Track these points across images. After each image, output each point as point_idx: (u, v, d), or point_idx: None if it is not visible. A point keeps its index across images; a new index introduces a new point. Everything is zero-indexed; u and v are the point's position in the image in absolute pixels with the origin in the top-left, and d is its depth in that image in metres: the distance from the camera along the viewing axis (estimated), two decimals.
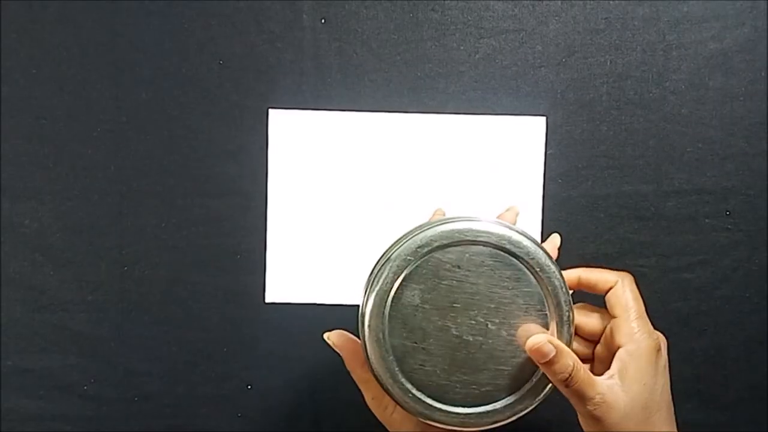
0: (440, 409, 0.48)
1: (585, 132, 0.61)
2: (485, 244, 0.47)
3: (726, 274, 0.61)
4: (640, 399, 0.45)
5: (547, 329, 0.47)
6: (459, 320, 0.48)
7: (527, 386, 0.47)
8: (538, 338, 0.44)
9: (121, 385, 0.63)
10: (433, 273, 0.48)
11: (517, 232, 0.46)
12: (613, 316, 0.48)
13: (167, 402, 0.63)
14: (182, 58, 0.61)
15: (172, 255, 0.62)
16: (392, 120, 0.61)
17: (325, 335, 0.50)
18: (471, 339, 0.47)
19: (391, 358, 0.47)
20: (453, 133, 0.61)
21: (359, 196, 0.62)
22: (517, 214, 0.57)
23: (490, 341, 0.47)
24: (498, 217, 0.52)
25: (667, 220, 0.61)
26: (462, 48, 0.61)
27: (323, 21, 0.61)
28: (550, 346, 0.44)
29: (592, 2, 0.60)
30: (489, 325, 0.47)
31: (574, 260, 0.61)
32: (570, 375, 0.44)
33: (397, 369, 0.48)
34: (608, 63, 0.61)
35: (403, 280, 0.47)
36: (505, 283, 0.47)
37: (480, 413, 0.47)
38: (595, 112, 0.61)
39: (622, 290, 0.48)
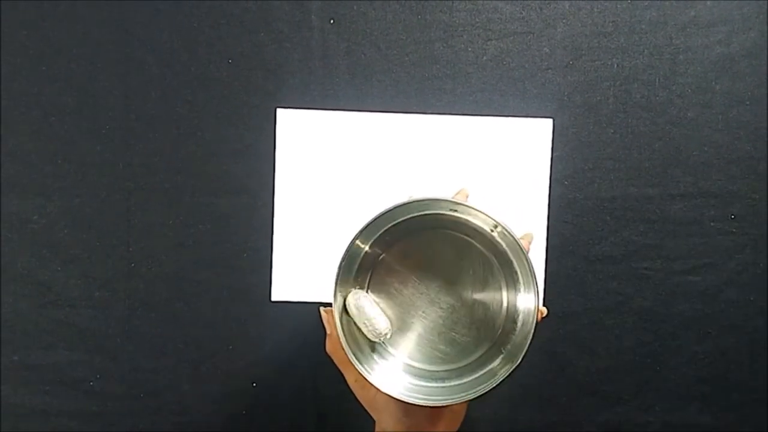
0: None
1: (591, 134, 0.61)
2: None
3: (730, 277, 0.61)
4: None
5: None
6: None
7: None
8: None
9: (127, 381, 0.63)
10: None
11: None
12: None
13: (172, 399, 0.63)
14: (191, 57, 0.61)
15: (178, 252, 0.62)
16: (399, 120, 0.61)
17: (321, 309, 0.51)
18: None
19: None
20: (460, 135, 0.61)
21: (365, 196, 0.62)
22: (467, 197, 0.58)
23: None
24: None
25: (673, 223, 0.61)
26: (470, 50, 0.61)
27: (332, 21, 0.61)
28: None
29: (599, 5, 0.61)
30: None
31: (580, 262, 0.61)
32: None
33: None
34: (615, 66, 0.61)
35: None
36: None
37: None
38: (602, 115, 0.61)
39: None
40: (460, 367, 0.50)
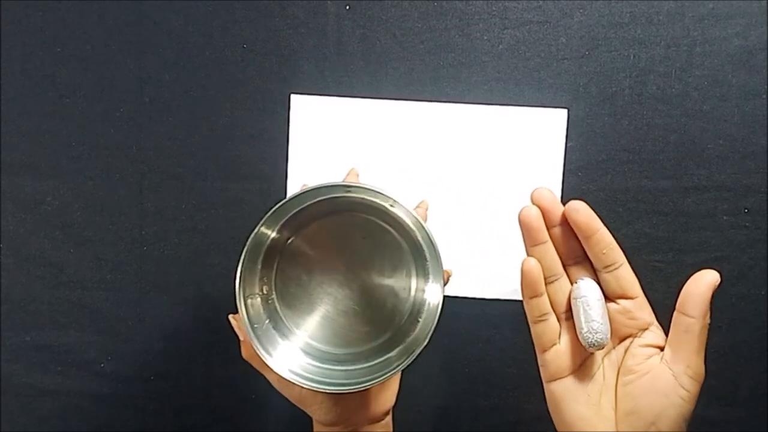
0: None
1: (606, 125, 0.61)
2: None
3: (743, 271, 0.61)
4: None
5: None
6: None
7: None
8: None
9: (138, 363, 0.64)
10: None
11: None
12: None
13: (182, 382, 0.64)
14: (206, 41, 0.61)
15: (191, 236, 0.63)
16: (413, 108, 0.61)
17: (230, 316, 0.51)
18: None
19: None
20: (474, 123, 0.61)
21: (378, 183, 0.62)
22: (426, 209, 0.59)
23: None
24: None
25: (686, 216, 0.61)
26: (485, 38, 0.61)
27: (347, 8, 0.61)
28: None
29: None
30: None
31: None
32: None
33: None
34: (631, 57, 0.60)
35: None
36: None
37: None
38: (617, 106, 0.61)
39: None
40: (361, 351, 0.51)
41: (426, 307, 0.50)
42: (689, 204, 0.61)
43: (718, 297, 0.61)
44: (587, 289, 0.43)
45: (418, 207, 0.59)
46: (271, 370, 0.46)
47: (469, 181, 0.61)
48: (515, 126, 0.61)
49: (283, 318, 0.51)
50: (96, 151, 0.62)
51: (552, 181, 0.61)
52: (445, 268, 0.47)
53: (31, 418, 0.64)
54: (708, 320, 0.42)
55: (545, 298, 0.43)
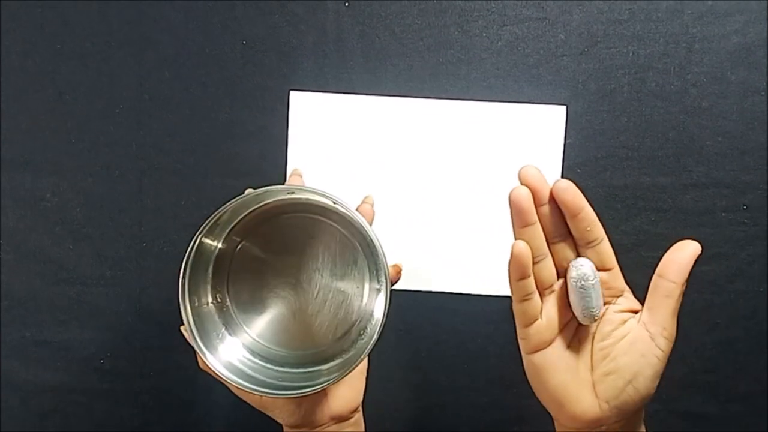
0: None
1: (605, 122, 0.61)
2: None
3: (741, 268, 0.61)
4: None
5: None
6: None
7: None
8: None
9: (137, 360, 0.64)
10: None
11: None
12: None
13: (182, 378, 0.64)
14: (206, 38, 0.61)
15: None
16: (413, 105, 0.61)
17: (182, 328, 0.49)
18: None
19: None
20: (473, 120, 0.61)
21: (377, 180, 0.62)
22: (372, 205, 0.58)
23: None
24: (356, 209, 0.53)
25: (685, 213, 0.61)
26: (485, 35, 0.61)
27: (347, 4, 0.61)
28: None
29: None
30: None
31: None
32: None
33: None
34: (630, 54, 0.61)
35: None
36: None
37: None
38: (616, 103, 0.61)
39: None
40: (319, 352, 0.51)
41: (377, 303, 0.50)
42: (688, 201, 0.61)
43: (716, 294, 0.62)
44: (588, 270, 0.44)
45: (363, 203, 0.59)
46: (224, 380, 0.46)
47: (468, 178, 0.62)
48: (514, 123, 0.61)
49: (240, 325, 0.51)
50: (96, 148, 0.62)
51: (551, 178, 0.61)
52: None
53: (31, 414, 0.64)
54: (685, 287, 0.44)
55: (532, 278, 0.44)
